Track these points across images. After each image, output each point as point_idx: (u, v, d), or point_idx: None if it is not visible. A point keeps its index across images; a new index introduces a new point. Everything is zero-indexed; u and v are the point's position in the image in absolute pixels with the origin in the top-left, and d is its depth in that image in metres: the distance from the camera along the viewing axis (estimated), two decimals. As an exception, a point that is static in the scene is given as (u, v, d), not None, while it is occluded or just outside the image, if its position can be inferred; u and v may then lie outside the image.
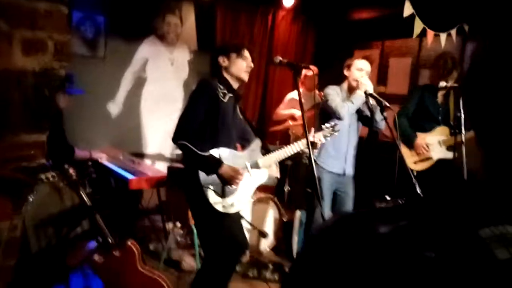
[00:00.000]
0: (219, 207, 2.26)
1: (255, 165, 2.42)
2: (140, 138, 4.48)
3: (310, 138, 2.40)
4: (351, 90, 2.93)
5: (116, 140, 4.23)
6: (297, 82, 2.31)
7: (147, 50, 4.43)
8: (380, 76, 4.93)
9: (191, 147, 2.17)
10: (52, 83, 1.55)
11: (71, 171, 2.36)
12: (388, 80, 4.87)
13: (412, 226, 0.42)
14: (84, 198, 2.35)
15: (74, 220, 2.58)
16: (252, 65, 2.42)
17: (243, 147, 2.52)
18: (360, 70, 2.92)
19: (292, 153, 2.48)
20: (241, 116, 2.50)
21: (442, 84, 3.18)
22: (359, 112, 3.00)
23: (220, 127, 2.29)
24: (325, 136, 2.61)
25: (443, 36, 3.95)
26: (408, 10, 3.53)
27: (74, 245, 2.47)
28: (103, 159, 3.39)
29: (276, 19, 5.01)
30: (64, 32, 1.58)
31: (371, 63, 3.04)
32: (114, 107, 4.29)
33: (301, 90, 4.18)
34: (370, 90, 2.82)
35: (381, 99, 2.77)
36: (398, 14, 3.66)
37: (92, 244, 2.44)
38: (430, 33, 3.87)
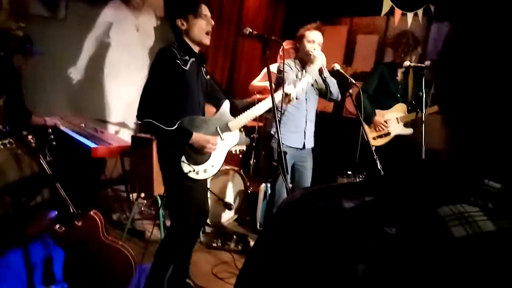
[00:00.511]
0: (192, 175, 2.26)
1: (226, 128, 2.40)
2: (103, 105, 4.35)
3: (281, 94, 2.40)
4: (305, 63, 2.87)
5: (78, 107, 4.09)
6: (266, 54, 2.29)
7: (111, 14, 4.24)
8: (347, 52, 4.98)
9: (157, 123, 2.12)
10: (9, 44, 1.47)
11: (30, 138, 2.27)
12: (354, 57, 4.93)
13: (375, 202, 0.43)
14: (44, 166, 2.28)
15: (34, 188, 2.50)
16: (212, 22, 2.28)
17: (216, 106, 2.47)
18: (312, 42, 2.85)
19: (262, 111, 2.45)
20: (207, 77, 2.43)
21: (406, 63, 3.26)
22: (314, 84, 2.99)
23: (186, 96, 2.24)
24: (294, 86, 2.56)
25: (410, 16, 4.03)
26: (377, -13, 3.56)
27: (33, 214, 2.41)
28: (59, 125, 3.25)
29: (246, -12, 4.91)
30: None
31: (323, 34, 2.93)
32: (76, 72, 4.12)
33: (276, 64, 4.18)
34: (323, 62, 2.80)
35: (347, 75, 2.81)
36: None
37: (53, 214, 2.40)
38: (398, 12, 3.95)
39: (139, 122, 2.23)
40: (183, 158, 2.23)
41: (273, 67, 4.17)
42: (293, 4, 5.28)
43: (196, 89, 2.30)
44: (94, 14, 4.13)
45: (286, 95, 2.47)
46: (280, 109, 2.89)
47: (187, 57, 2.24)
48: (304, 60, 2.89)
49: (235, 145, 2.52)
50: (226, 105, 2.44)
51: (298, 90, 2.67)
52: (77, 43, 4.06)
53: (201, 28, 2.23)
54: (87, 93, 4.17)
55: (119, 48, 4.34)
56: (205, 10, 2.24)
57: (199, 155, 2.28)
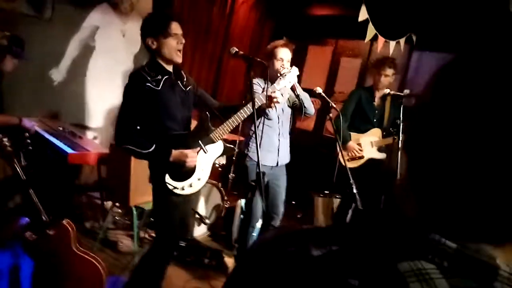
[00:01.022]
0: (179, 191, 2.28)
1: (209, 140, 2.40)
2: (83, 110, 4.28)
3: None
4: (275, 81, 2.79)
5: (57, 110, 4.01)
6: (250, 75, 2.32)
7: (98, 18, 4.20)
8: (331, 73, 5.08)
9: (135, 148, 2.14)
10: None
11: (5, 141, 2.22)
12: (337, 78, 5.03)
13: (341, 252, 0.46)
14: (18, 170, 2.22)
15: (6, 193, 2.43)
16: (183, 40, 2.24)
17: (211, 113, 2.46)
18: (281, 60, 2.83)
19: (242, 118, 2.44)
20: (187, 89, 2.40)
21: (386, 91, 3.36)
22: (287, 102, 2.99)
23: (164, 114, 2.24)
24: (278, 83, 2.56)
25: (392, 43, 4.15)
26: (363, 15, 3.67)
27: (4, 220, 2.34)
28: (35, 128, 3.17)
29: (235, 4, 4.96)
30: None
31: (291, 50, 2.90)
32: (57, 74, 4.04)
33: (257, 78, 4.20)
34: (294, 80, 2.74)
35: (328, 99, 2.86)
36: (354, 15, 3.79)
37: (24, 220, 2.33)
38: (381, 39, 4.06)
39: (120, 147, 2.21)
40: (167, 176, 2.24)
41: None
42: (280, 22, 5.36)
43: (174, 106, 2.29)
44: (80, 17, 4.08)
45: (270, 98, 2.46)
46: (255, 125, 2.90)
47: (159, 77, 2.22)
48: (274, 78, 2.88)
49: (220, 155, 2.52)
50: (205, 117, 2.41)
51: (282, 89, 2.65)
52: (61, 44, 4.00)
53: (172, 47, 2.20)
54: (68, 96, 4.10)
55: (103, 52, 4.30)
56: (175, 28, 2.21)
57: (182, 170, 2.28)
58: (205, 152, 2.39)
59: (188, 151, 2.28)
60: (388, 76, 3.48)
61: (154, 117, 2.22)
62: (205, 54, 4.86)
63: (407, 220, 0.47)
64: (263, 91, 2.60)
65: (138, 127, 2.21)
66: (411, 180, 0.48)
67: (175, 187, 2.27)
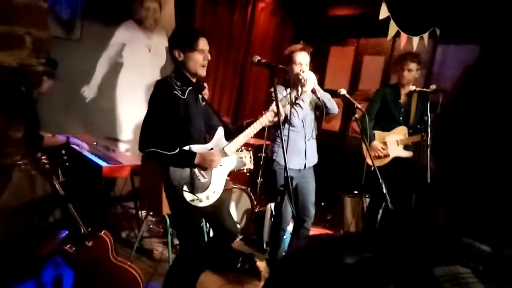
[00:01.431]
0: (196, 203, 2.33)
1: (223, 153, 2.45)
2: (114, 124, 4.44)
3: (272, 112, 2.48)
4: (296, 85, 2.83)
5: (90, 126, 4.19)
6: (274, 81, 2.37)
7: (124, 35, 4.36)
8: (354, 73, 5.05)
9: (159, 151, 2.21)
10: (29, 80, 1.55)
11: (43, 159, 2.35)
12: (361, 77, 4.99)
13: (374, 259, 0.47)
14: (57, 187, 2.35)
15: (46, 209, 2.57)
16: (209, 57, 2.34)
17: (210, 134, 2.52)
18: (300, 64, 2.85)
19: (255, 131, 2.50)
20: (203, 104, 2.49)
21: (412, 87, 3.31)
22: (310, 105, 3.01)
23: (188, 122, 2.31)
24: (284, 106, 2.57)
25: (415, 39, 4.08)
26: (383, 12, 3.63)
27: (45, 235, 2.48)
28: (81, 148, 3.35)
29: (255, 11, 5.02)
30: (44, 28, 1.57)
31: (309, 53, 2.93)
32: (89, 91, 4.23)
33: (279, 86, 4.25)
34: (314, 84, 2.79)
35: (353, 100, 2.86)
36: (375, 13, 3.76)
37: (64, 233, 2.46)
38: (404, 35, 4.00)
39: (142, 153, 2.30)
40: (185, 188, 2.29)
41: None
42: (300, 26, 5.37)
43: (196, 116, 2.37)
44: (107, 35, 4.25)
45: (276, 114, 2.47)
46: (281, 131, 2.93)
47: (184, 87, 2.31)
48: (294, 83, 2.88)
49: (234, 168, 2.59)
50: (220, 130, 2.49)
51: (296, 119, 2.78)
52: (90, 62, 4.18)
53: (197, 61, 2.29)
54: (100, 111, 4.27)
55: (131, 67, 4.45)
56: (203, 44, 2.30)
57: (199, 183, 2.34)
58: (220, 165, 2.44)
59: (213, 152, 2.35)
60: (412, 71, 3.41)
61: (178, 124, 2.29)
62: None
63: (439, 224, 0.48)
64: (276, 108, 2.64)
65: (163, 132, 2.26)
66: (441, 183, 0.49)
67: (193, 199, 2.31)
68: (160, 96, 2.26)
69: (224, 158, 2.45)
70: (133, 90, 4.49)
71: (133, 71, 4.46)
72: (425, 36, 4.07)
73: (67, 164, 2.78)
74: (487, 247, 0.42)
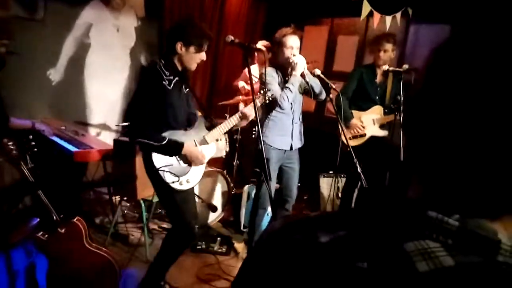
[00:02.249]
0: (176, 186, 2.37)
1: (203, 141, 2.53)
2: (83, 107, 4.29)
3: (245, 110, 2.60)
4: (285, 69, 2.90)
5: (58, 109, 4.04)
6: (247, 61, 2.34)
7: (90, 14, 4.18)
8: (328, 52, 5.05)
9: (149, 141, 2.24)
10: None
11: (10, 145, 2.25)
12: (335, 57, 5.00)
13: (348, 237, 0.47)
14: (26, 173, 2.26)
15: (16, 196, 2.48)
16: (204, 58, 2.41)
17: (190, 122, 2.55)
18: (291, 48, 2.87)
19: (232, 125, 2.62)
20: (187, 92, 2.52)
21: (385, 67, 3.35)
22: (299, 88, 3.03)
23: (169, 113, 2.34)
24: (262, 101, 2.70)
25: (388, 18, 4.11)
26: (357, -9, 3.62)
27: (16, 222, 2.39)
28: (47, 132, 3.22)
29: (227, -11, 4.91)
30: (5, 7, 1.47)
31: (300, 36, 2.96)
32: (55, 74, 4.05)
33: (256, 65, 4.24)
34: (303, 68, 2.84)
35: (328, 80, 2.87)
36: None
37: (35, 221, 2.38)
38: (377, 15, 4.02)
39: (133, 141, 2.32)
40: (165, 169, 2.33)
41: (253, 68, 4.23)
42: (274, 6, 5.30)
43: (179, 106, 2.39)
44: (73, 15, 4.06)
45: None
46: (268, 114, 2.94)
47: (171, 77, 2.32)
48: (284, 67, 2.91)
49: (214, 155, 2.67)
50: (201, 119, 2.57)
51: (286, 101, 2.83)
52: (56, 44, 3.99)
53: (195, 59, 2.36)
54: (67, 94, 4.11)
55: (99, 48, 4.29)
56: (205, 47, 2.36)
57: (180, 167, 2.39)
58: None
59: (201, 152, 2.43)
60: (387, 52, 3.44)
61: (161, 114, 2.30)
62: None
63: (410, 201, 0.49)
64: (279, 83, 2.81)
65: (151, 121, 2.29)
66: (412, 160, 0.50)
67: (173, 181, 2.35)
68: (150, 86, 2.26)
69: (204, 146, 2.51)
70: (101, 72, 4.34)
71: (101, 52, 4.30)
72: (398, 15, 4.10)
73: (35, 149, 2.67)
74: (455, 221, 0.43)
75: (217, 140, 2.68)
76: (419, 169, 0.49)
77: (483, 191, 0.42)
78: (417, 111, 0.48)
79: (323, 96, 3.05)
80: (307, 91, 3.03)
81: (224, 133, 2.96)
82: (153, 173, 2.35)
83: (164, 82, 2.27)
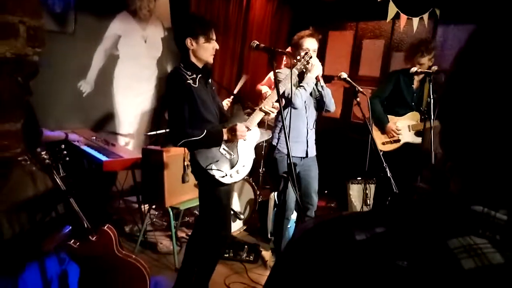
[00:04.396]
0: (227, 180, 2.39)
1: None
2: (113, 118, 4.39)
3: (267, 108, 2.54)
4: (302, 71, 2.86)
5: (88, 120, 4.14)
6: (273, 66, 2.34)
7: (119, 26, 4.29)
8: (354, 57, 4.99)
9: (192, 139, 2.28)
10: (26, 70, 1.50)
11: (44, 154, 2.31)
12: (361, 61, 4.93)
13: (386, 234, 0.45)
14: (58, 182, 2.31)
15: (48, 204, 2.54)
16: (217, 46, 2.42)
17: (223, 115, 2.59)
18: (307, 50, 2.82)
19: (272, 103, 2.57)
20: (213, 87, 2.57)
21: (413, 69, 3.26)
22: (312, 93, 3.00)
23: (203, 110, 2.37)
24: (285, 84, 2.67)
25: (415, 20, 4.03)
26: (383, -6, 3.57)
27: (49, 230, 2.45)
28: (80, 142, 3.31)
29: (251, -2, 4.94)
30: (37, 16, 1.52)
31: (318, 39, 2.92)
32: (86, 85, 4.17)
33: (283, 68, 4.25)
34: (320, 71, 2.82)
35: (354, 84, 2.82)
36: (373, -4, 3.70)
37: (67, 229, 2.43)
38: (403, 17, 3.94)
39: (178, 145, 2.34)
40: (213, 166, 2.35)
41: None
42: (298, 11, 5.30)
43: (209, 101, 2.43)
44: (102, 27, 4.18)
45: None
46: (282, 115, 2.91)
47: (194, 75, 2.36)
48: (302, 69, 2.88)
49: (259, 140, 2.68)
50: (238, 107, 2.59)
51: (299, 100, 2.78)
52: (86, 56, 4.11)
53: (208, 50, 2.37)
54: (97, 105, 4.22)
55: (127, 60, 4.39)
56: (213, 34, 2.38)
57: (227, 160, 2.40)
58: (244, 140, 2.48)
59: (237, 124, 2.41)
60: (424, 65, 3.35)
61: (195, 112, 2.35)
62: (226, 51, 4.87)
63: (452, 195, 0.46)
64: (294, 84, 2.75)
65: (188, 122, 2.33)
66: (449, 154, 0.47)
67: (223, 175, 2.36)
68: (176, 88, 2.31)
69: (247, 132, 2.51)
70: (130, 82, 4.43)
71: (129, 63, 4.40)
72: (425, 17, 4.01)
73: (67, 158, 2.74)
74: (503, 215, 0.40)
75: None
76: (457, 161, 0.46)
77: None
78: (450, 100, 0.46)
79: (332, 108, 3.01)
80: (318, 101, 2.99)
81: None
82: (202, 172, 2.37)
83: (188, 81, 2.31)
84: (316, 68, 2.80)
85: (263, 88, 4.34)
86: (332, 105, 2.99)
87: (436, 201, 0.46)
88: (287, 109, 2.80)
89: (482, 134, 0.41)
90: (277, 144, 2.96)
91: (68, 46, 3.89)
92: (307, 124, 2.96)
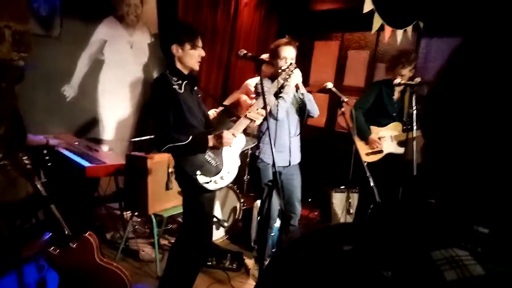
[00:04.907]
0: (211, 186, 2.37)
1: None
2: (97, 123, 4.35)
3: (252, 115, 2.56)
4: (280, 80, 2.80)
5: (72, 125, 4.09)
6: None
7: (105, 31, 4.26)
8: (339, 67, 5.05)
9: (176, 144, 2.27)
10: (10, 75, 1.49)
11: (25, 160, 2.28)
12: (346, 71, 5.00)
13: (372, 245, 0.46)
14: (39, 188, 2.28)
15: (29, 210, 2.49)
16: (203, 54, 2.44)
17: (208, 123, 2.61)
18: (285, 58, 2.80)
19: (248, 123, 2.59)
20: (198, 94, 2.57)
21: (396, 81, 3.32)
22: (293, 101, 2.98)
23: (188, 115, 2.37)
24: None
25: (399, 32, 4.10)
26: (368, 6, 3.63)
27: (28, 237, 2.40)
28: (60, 147, 3.26)
29: (239, 5, 4.97)
30: (23, 20, 1.51)
31: (295, 47, 2.89)
32: (70, 90, 4.12)
33: (258, 78, 4.29)
34: (298, 79, 2.81)
35: (339, 94, 2.85)
36: (358, 7, 3.76)
37: (47, 236, 2.39)
38: (388, 29, 4.02)
39: (162, 151, 2.33)
40: (198, 172, 2.34)
41: (249, 81, 4.27)
42: (285, 20, 5.35)
43: (194, 107, 2.43)
44: (88, 32, 4.15)
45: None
46: (262, 129, 2.91)
47: (180, 81, 2.37)
48: (279, 77, 2.81)
49: (244, 147, 2.67)
50: (223, 116, 2.54)
51: (280, 113, 2.77)
52: (71, 60, 4.07)
53: (194, 57, 2.38)
54: (81, 110, 4.17)
55: (113, 65, 4.36)
56: (199, 41, 2.39)
57: (211, 167, 2.39)
58: (229, 145, 2.49)
59: (224, 131, 2.41)
60: (405, 76, 3.40)
61: (181, 117, 2.34)
62: (213, 57, 4.88)
63: (436, 208, 0.47)
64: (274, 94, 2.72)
65: (173, 126, 2.33)
66: (433, 168, 0.48)
67: (207, 181, 2.36)
68: (162, 93, 2.31)
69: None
70: (115, 88, 4.40)
71: (115, 69, 4.37)
72: (409, 29, 4.09)
73: (49, 164, 2.70)
74: (485, 229, 0.41)
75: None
76: (443, 176, 0.47)
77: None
78: (433, 112, 0.47)
79: (315, 113, 2.99)
80: (301, 109, 2.98)
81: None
82: (186, 178, 2.36)
83: (174, 86, 2.32)
84: (294, 77, 2.77)
85: (242, 96, 4.36)
86: (316, 110, 2.98)
87: (421, 213, 0.47)
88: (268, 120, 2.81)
89: (466, 149, 0.42)
90: (259, 154, 2.95)
91: (53, 50, 3.85)
92: (289, 133, 2.95)
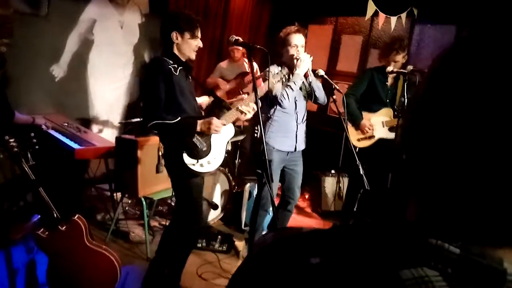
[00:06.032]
0: (197, 168, 2.40)
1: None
2: (86, 103, 4.29)
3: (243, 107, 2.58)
4: (291, 68, 2.85)
5: (60, 105, 4.03)
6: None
7: (94, 11, 4.17)
8: (332, 52, 5.02)
9: (163, 121, 2.27)
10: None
11: (12, 142, 2.25)
12: (339, 56, 4.97)
13: (341, 260, 0.45)
14: (27, 171, 2.26)
15: (17, 193, 2.48)
16: (201, 44, 2.47)
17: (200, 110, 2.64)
18: (295, 46, 2.83)
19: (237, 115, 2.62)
20: (190, 84, 2.58)
21: (389, 68, 3.32)
22: (302, 88, 3.01)
23: (181, 98, 2.38)
24: (278, 81, 2.74)
25: (393, 18, 4.09)
26: (362, -9, 3.59)
27: (16, 219, 2.40)
28: (47, 127, 3.22)
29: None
30: (4, 4, 1.46)
31: (304, 34, 2.93)
32: (58, 70, 4.05)
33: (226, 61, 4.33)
34: (308, 66, 2.82)
35: (331, 81, 2.85)
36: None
37: (36, 218, 2.39)
38: (382, 15, 3.99)
39: (148, 126, 2.31)
40: (185, 155, 2.37)
41: (221, 63, 4.31)
42: (279, 4, 5.28)
43: (187, 92, 2.45)
44: (77, 11, 4.05)
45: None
46: (269, 115, 2.92)
47: (175, 65, 2.38)
48: (289, 65, 2.89)
49: (233, 138, 2.70)
50: (216, 102, 2.62)
51: (286, 101, 2.81)
52: (59, 40, 3.99)
53: (192, 46, 2.42)
54: (70, 91, 4.11)
55: (103, 45, 4.28)
56: (199, 32, 2.43)
57: (199, 150, 2.42)
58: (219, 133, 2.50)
59: (213, 118, 2.43)
60: (398, 62, 3.42)
61: (172, 97, 2.35)
62: (206, 39, 4.81)
63: (407, 224, 0.46)
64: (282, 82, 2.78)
65: (164, 104, 2.34)
66: (410, 180, 0.46)
67: (193, 163, 2.38)
68: (158, 71, 2.33)
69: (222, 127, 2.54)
70: (105, 68, 4.33)
71: (105, 49, 4.30)
72: (403, 15, 4.07)
73: (36, 147, 2.67)
74: (456, 249, 0.40)
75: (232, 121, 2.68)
76: (417, 188, 0.46)
77: (488, 215, 0.39)
78: (417, 124, 0.44)
79: (323, 101, 3.04)
80: (309, 94, 3.01)
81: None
82: (173, 161, 2.38)
83: (169, 67, 2.34)
84: (304, 64, 2.78)
85: (219, 80, 4.37)
86: (323, 97, 3.01)
87: (390, 229, 0.46)
88: (274, 106, 2.85)
89: (445, 166, 0.41)
90: (265, 138, 2.95)
91: (41, 29, 3.76)
92: (297, 119, 2.97)
